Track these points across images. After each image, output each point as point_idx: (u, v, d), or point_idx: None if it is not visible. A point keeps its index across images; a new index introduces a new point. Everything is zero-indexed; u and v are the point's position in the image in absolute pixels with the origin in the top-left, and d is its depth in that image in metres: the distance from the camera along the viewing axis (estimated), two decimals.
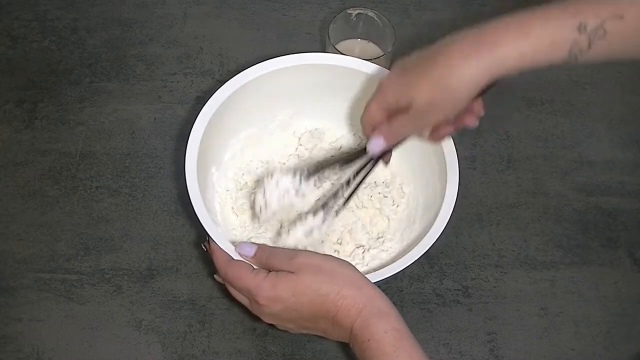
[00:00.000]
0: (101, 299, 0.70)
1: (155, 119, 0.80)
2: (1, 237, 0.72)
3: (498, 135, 0.81)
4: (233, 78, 0.67)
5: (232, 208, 0.71)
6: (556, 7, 0.48)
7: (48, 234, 0.73)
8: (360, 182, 0.63)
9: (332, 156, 0.68)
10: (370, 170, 0.63)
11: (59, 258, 0.72)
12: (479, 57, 0.49)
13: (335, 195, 0.64)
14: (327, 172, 0.65)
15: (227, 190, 0.71)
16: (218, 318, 0.69)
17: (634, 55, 0.50)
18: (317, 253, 0.59)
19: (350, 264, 0.58)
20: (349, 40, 0.79)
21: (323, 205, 0.64)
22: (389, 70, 0.68)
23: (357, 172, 0.63)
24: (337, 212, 0.64)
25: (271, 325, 0.60)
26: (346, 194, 0.64)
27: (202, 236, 0.62)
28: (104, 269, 0.71)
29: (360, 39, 0.80)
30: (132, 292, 0.70)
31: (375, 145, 0.58)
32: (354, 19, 0.78)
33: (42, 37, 0.85)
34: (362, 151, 0.62)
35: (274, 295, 0.55)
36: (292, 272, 0.56)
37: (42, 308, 0.69)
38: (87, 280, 0.71)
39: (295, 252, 0.58)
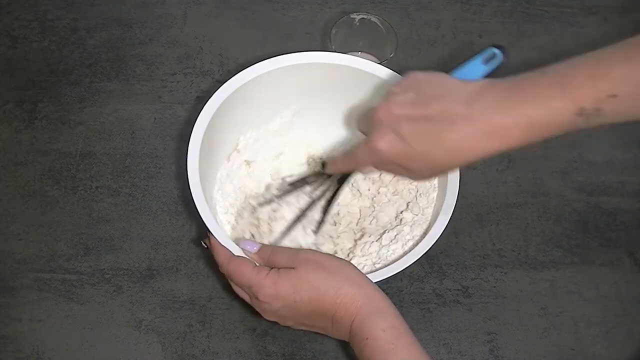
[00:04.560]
0: (101, 299, 0.70)
1: (155, 119, 0.80)
2: (1, 237, 0.72)
3: None
4: (236, 75, 0.67)
5: (232, 207, 0.70)
6: (553, 89, 0.50)
7: (48, 234, 0.73)
8: (334, 197, 0.67)
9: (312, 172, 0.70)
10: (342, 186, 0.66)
11: (59, 258, 0.72)
12: (483, 135, 0.51)
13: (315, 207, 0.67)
14: (308, 187, 0.68)
15: (228, 189, 0.71)
16: (218, 318, 0.69)
17: (632, 119, 0.53)
18: (320, 252, 0.59)
19: (351, 263, 0.58)
20: (350, 53, 0.79)
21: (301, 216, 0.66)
22: (395, 74, 0.67)
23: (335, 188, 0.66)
24: (320, 225, 0.67)
25: (273, 321, 0.60)
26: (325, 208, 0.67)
27: (203, 234, 0.62)
28: (104, 269, 0.71)
29: (362, 52, 0.80)
30: (132, 292, 0.70)
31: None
32: (357, 24, 0.78)
33: (42, 37, 0.85)
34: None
35: (275, 292, 0.56)
36: (293, 268, 0.56)
37: (42, 308, 0.69)
38: (87, 280, 0.71)
39: (298, 249, 0.59)
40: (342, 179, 0.66)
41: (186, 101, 0.81)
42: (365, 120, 0.59)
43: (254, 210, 0.67)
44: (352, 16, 0.78)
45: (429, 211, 0.68)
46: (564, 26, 0.90)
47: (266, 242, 0.64)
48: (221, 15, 0.88)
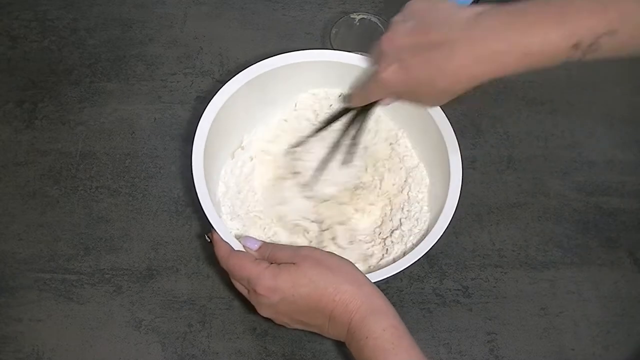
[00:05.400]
0: (101, 299, 0.70)
1: (155, 119, 0.80)
2: (1, 237, 0.72)
3: (498, 135, 0.81)
4: (239, 74, 0.67)
5: (233, 205, 0.70)
6: (552, 19, 0.50)
7: (48, 234, 0.73)
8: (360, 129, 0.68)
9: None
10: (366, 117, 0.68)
11: (59, 258, 0.72)
12: (480, 60, 0.52)
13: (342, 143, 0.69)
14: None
15: (231, 187, 0.71)
16: (218, 318, 0.69)
17: (629, 56, 0.52)
18: (321, 250, 0.59)
19: (351, 262, 0.58)
20: None
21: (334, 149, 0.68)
22: None
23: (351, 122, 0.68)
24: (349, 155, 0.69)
25: (268, 319, 0.60)
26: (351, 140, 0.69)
27: (207, 230, 0.62)
28: (104, 269, 0.71)
29: (362, 52, 0.80)
30: (132, 292, 0.70)
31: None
32: (357, 24, 0.78)
33: (42, 37, 0.85)
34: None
35: (273, 285, 0.56)
36: (294, 264, 0.56)
37: (42, 308, 0.69)
38: (87, 280, 0.71)
39: (299, 247, 0.59)
40: (367, 109, 0.67)
41: (186, 101, 0.81)
42: (374, 53, 0.61)
43: (289, 152, 0.70)
44: (352, 16, 0.78)
45: (429, 212, 0.68)
46: None
47: (305, 175, 0.69)
48: (221, 15, 0.88)
